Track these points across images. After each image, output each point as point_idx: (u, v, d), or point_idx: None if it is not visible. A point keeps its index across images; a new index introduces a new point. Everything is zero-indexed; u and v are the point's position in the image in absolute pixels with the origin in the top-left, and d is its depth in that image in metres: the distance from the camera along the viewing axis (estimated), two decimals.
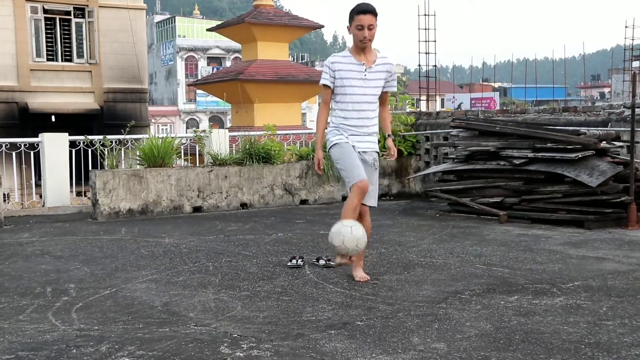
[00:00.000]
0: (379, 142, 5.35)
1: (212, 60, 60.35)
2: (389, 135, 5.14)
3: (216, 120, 57.55)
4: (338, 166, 4.85)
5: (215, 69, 50.82)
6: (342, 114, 4.83)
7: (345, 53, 4.87)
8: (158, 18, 64.46)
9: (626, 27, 20.18)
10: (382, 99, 5.00)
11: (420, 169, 10.50)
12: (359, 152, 4.82)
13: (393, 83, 5.04)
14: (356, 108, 4.80)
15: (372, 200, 4.95)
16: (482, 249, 6.14)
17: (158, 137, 8.92)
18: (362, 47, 4.77)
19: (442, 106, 41.22)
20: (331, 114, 4.97)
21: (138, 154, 9.10)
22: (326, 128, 4.97)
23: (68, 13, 19.36)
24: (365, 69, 4.80)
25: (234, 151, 10.19)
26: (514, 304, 4.19)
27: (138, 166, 9.15)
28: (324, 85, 4.84)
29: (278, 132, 10.41)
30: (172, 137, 9.09)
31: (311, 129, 22.51)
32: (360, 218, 4.84)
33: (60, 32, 19.38)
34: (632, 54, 21.01)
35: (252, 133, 10.26)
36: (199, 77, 49.70)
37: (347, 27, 4.80)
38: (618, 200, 7.24)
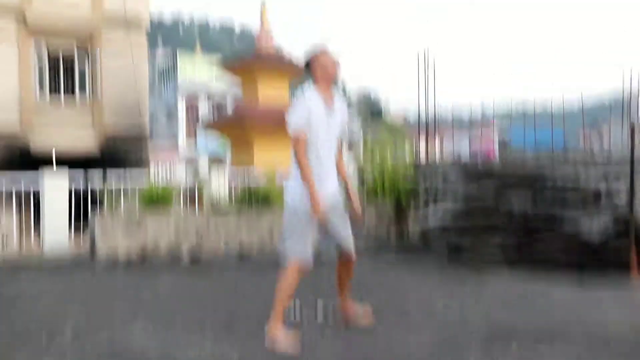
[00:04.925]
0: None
1: (213, 101, 60.82)
2: (348, 186, 4.82)
3: (216, 160, 57.75)
4: (287, 230, 4.46)
5: (216, 110, 51.20)
6: (311, 162, 4.45)
7: (313, 92, 4.58)
8: (160, 57, 65.17)
9: (624, 78, 20.49)
10: (338, 145, 4.72)
11: (419, 216, 10.48)
12: (327, 199, 4.47)
13: (346, 129, 4.81)
14: (321, 156, 4.50)
15: (352, 251, 4.68)
16: (481, 297, 6.10)
17: (157, 185, 8.93)
18: (329, 85, 4.59)
19: (442, 153, 41.44)
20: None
21: (137, 197, 9.11)
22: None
23: (72, 53, 19.59)
24: (330, 110, 4.60)
25: (233, 196, 10.19)
26: (514, 353, 4.14)
27: (137, 211, 9.14)
28: (299, 130, 4.41)
29: (277, 177, 10.42)
30: (172, 180, 9.10)
31: None
32: (342, 272, 4.73)
33: (63, 72, 19.58)
34: (629, 105, 21.28)
35: (251, 178, 10.26)
36: (200, 118, 50.00)
37: (311, 67, 4.61)
38: (619, 248, 7.23)
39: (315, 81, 4.61)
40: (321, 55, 4.64)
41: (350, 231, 4.71)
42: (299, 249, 4.39)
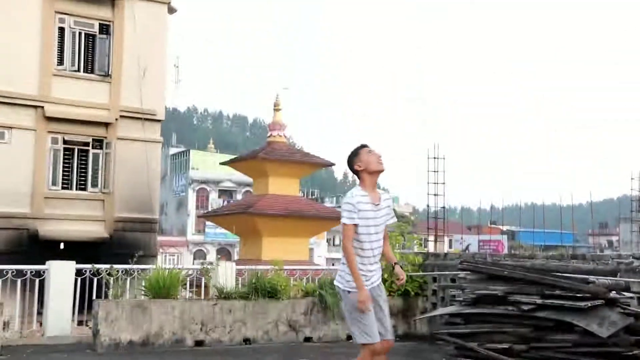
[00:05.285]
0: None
1: (223, 193, 61.38)
2: (396, 263, 5.16)
3: (224, 252, 57.52)
4: (354, 316, 4.71)
5: (226, 202, 51.53)
6: (359, 252, 4.79)
7: (362, 192, 4.87)
8: (173, 150, 66.37)
9: (632, 178, 20.75)
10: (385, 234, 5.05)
11: (427, 310, 10.33)
12: (372, 287, 4.79)
13: (393, 216, 5.12)
14: (373, 246, 4.83)
15: (390, 333, 4.90)
16: None
17: (164, 269, 8.92)
18: (376, 178, 4.89)
19: (450, 247, 41.25)
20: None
21: (143, 284, 9.07)
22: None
23: (87, 144, 20.01)
24: (377, 205, 4.87)
25: (240, 284, 10.13)
26: None
27: (143, 296, 9.08)
28: (349, 224, 4.77)
29: (285, 267, 10.38)
30: (179, 269, 9.09)
31: (318, 264, 22.40)
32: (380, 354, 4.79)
33: (77, 161, 19.94)
34: (638, 205, 21.40)
35: (259, 267, 10.24)
36: (210, 209, 50.30)
37: (356, 164, 4.89)
38: (630, 353, 7.05)
39: (360, 178, 4.91)
40: (362, 152, 4.92)
41: (389, 317, 4.97)
42: (375, 332, 4.65)
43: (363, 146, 4.94)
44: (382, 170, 4.89)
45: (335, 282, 4.94)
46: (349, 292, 4.76)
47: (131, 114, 20.11)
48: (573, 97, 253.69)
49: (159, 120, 20.87)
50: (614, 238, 69.53)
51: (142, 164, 20.08)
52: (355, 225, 4.78)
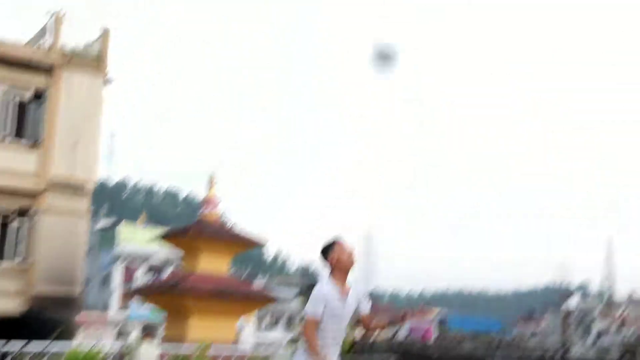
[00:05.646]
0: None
1: (151, 269, 59.72)
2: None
3: (149, 330, 55.37)
4: None
5: (154, 278, 50.05)
6: (320, 337, 4.87)
7: (331, 284, 4.98)
8: (102, 223, 64.55)
9: (555, 269, 21.28)
10: (365, 322, 5.14)
11: None
12: None
13: (367, 302, 5.19)
14: (335, 335, 4.95)
15: None
16: None
17: (81, 350, 8.45)
18: (347, 274, 5.00)
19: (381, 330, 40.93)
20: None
21: None
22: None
23: (10, 214, 19.24)
24: (344, 298, 4.99)
25: None
26: None
27: None
28: (312, 318, 4.88)
29: (211, 350, 10.01)
30: (97, 350, 8.63)
31: (244, 347, 21.72)
32: None
33: None
34: (561, 296, 21.92)
35: (182, 352, 9.84)
36: (136, 285, 48.70)
37: (329, 258, 5.01)
38: None
39: (331, 271, 5.00)
40: (336, 245, 5.04)
41: None
42: None
43: (337, 241, 5.08)
44: (353, 266, 5.04)
45: None
46: None
47: (60, 184, 19.54)
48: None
49: (88, 192, 20.34)
50: (542, 324, 70.41)
51: (68, 238, 19.39)
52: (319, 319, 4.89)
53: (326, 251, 5.07)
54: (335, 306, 4.93)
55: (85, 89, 20.27)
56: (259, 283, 61.02)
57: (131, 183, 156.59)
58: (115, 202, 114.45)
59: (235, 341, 18.75)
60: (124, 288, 52.92)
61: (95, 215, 53.41)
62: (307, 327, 4.92)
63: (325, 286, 4.99)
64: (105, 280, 59.45)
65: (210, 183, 19.34)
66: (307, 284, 79.91)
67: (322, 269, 5.14)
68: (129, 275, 59.05)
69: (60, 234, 19.42)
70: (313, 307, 4.90)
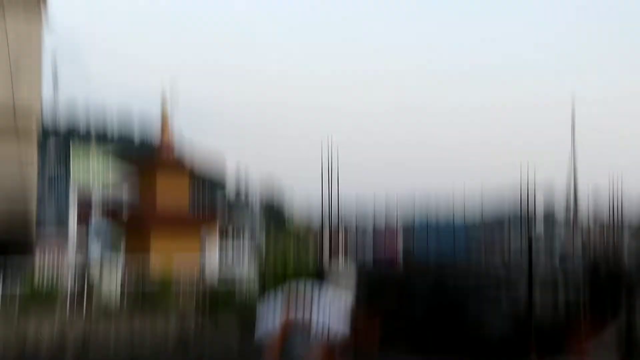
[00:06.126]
0: None
1: (107, 186, 59.12)
2: None
3: (108, 248, 55.36)
4: None
5: (111, 196, 49.47)
6: None
7: None
8: (53, 145, 63.05)
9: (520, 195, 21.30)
10: None
11: None
12: None
13: None
14: None
15: None
16: None
17: (41, 287, 8.28)
18: None
19: (346, 252, 41.37)
20: None
21: (18, 299, 8.38)
22: None
23: None
24: None
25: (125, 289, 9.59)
26: None
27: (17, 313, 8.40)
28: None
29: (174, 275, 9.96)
30: (57, 288, 8.46)
31: None
32: None
33: None
34: (527, 218, 21.98)
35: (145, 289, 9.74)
36: (93, 205, 48.20)
37: None
38: (519, 348, 7.26)
39: None
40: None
41: None
42: None
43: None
44: None
45: None
46: None
47: (5, 104, 18.81)
48: None
49: (36, 112, 19.69)
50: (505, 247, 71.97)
51: (17, 160, 18.85)
52: None
53: None
54: None
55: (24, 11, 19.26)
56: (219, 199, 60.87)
57: (81, 104, 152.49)
58: (65, 123, 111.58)
59: (200, 252, 18.76)
60: (81, 206, 52.23)
61: (44, 137, 51.91)
62: None
63: None
64: (61, 202, 58.65)
65: (163, 102, 18.87)
66: (270, 215, 79.88)
67: None
68: (85, 196, 58.34)
69: (9, 157, 18.88)
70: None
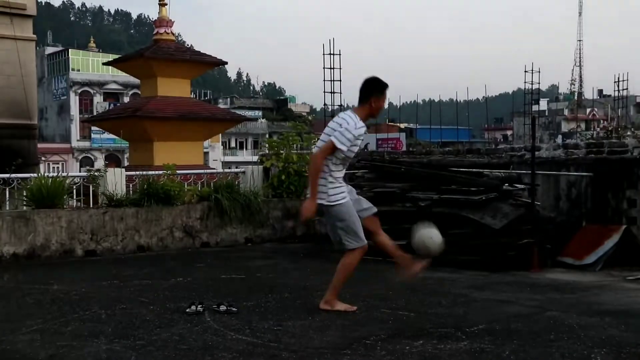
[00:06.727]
0: None
1: (109, 95, 58.65)
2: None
3: (113, 159, 55.62)
4: (344, 224, 5.04)
5: (112, 105, 49.06)
6: (336, 169, 5.03)
7: (361, 123, 5.07)
8: (50, 50, 62.04)
9: (525, 71, 21.06)
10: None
11: None
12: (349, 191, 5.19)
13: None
14: (345, 162, 5.14)
15: (372, 208, 5.32)
16: (387, 292, 6.02)
17: (47, 177, 8.30)
18: (368, 118, 5.16)
19: None
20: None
21: (25, 194, 8.43)
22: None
23: None
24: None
25: (131, 191, 9.65)
26: (419, 348, 4.12)
27: (25, 207, 8.48)
28: (340, 148, 4.94)
29: (178, 171, 9.97)
30: (63, 177, 8.49)
31: (214, 168, 21.94)
32: (376, 236, 5.29)
33: None
34: (532, 98, 21.97)
35: (150, 173, 9.78)
36: (95, 113, 48.00)
37: (373, 100, 5.07)
38: (521, 242, 7.32)
39: (362, 108, 5.09)
40: (384, 91, 5.14)
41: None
42: (362, 236, 5.09)
43: (386, 87, 5.13)
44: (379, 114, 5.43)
45: (318, 201, 5.00)
46: (333, 205, 5.01)
47: None
48: None
49: (30, 16, 19.13)
50: (509, 132, 71.96)
51: (15, 64, 18.50)
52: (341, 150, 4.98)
53: (373, 91, 5.09)
54: (357, 144, 5.07)
55: None
56: (222, 105, 60.54)
57: (77, 5, 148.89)
58: (61, 27, 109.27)
59: (203, 164, 18.84)
60: (82, 117, 52.10)
61: (40, 42, 50.94)
62: (324, 152, 4.98)
63: (359, 125, 5.02)
64: (62, 110, 58.40)
65: (161, 1, 18.31)
66: (273, 105, 79.61)
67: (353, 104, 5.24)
68: (86, 103, 58.02)
69: (5, 63, 18.50)
70: (346, 142, 4.94)
